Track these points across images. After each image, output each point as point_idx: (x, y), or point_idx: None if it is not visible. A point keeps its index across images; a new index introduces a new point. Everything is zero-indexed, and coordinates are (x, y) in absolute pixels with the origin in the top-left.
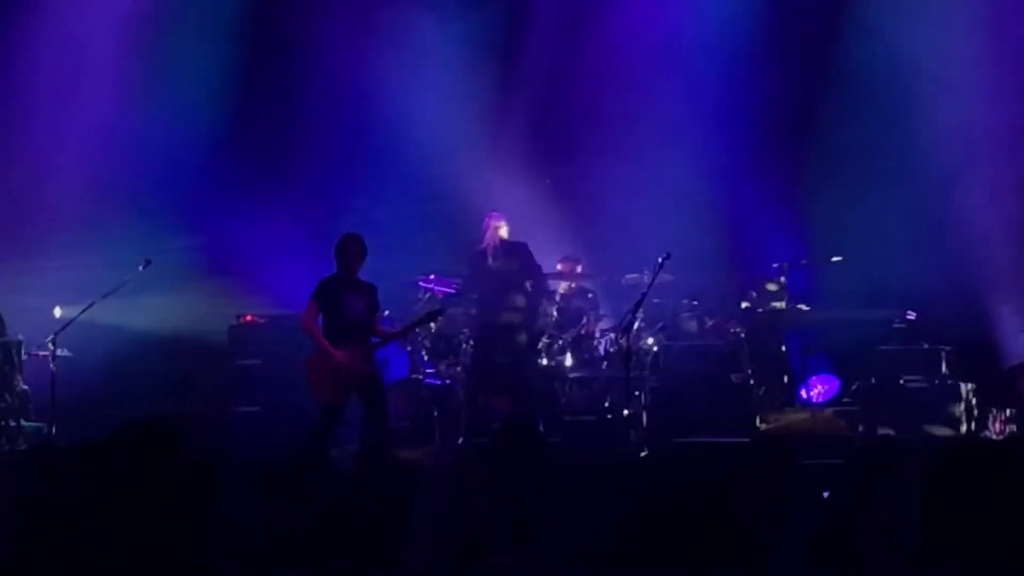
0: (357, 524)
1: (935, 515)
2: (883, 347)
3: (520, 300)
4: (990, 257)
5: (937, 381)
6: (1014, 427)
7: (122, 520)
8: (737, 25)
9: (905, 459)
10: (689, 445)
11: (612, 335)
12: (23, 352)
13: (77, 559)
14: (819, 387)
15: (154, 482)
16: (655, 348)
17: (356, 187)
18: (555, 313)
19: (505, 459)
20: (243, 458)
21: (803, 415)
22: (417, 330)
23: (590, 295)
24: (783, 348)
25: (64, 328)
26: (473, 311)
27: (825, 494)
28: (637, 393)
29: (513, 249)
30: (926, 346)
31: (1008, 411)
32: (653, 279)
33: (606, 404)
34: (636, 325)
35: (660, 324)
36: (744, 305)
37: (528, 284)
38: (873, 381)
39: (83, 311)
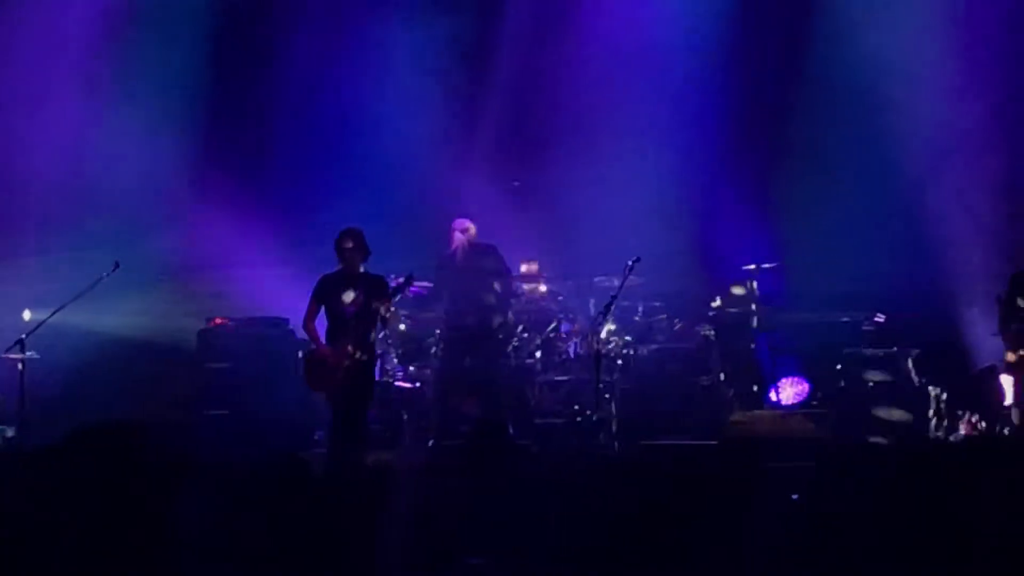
0: (328, 526)
1: (903, 517)
2: (852, 349)
3: (489, 302)
4: (959, 259)
5: (906, 383)
6: (982, 429)
7: (73, 524)
8: (708, 27)
9: (873, 461)
10: (658, 447)
11: (581, 337)
12: None
13: (25, 564)
14: (788, 389)
15: (107, 486)
16: (624, 350)
17: (327, 190)
18: (524, 315)
19: (475, 461)
20: (211, 461)
21: (772, 417)
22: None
23: (560, 298)
24: (752, 350)
25: (33, 331)
26: (443, 314)
27: (794, 496)
28: (606, 395)
29: (482, 251)
30: (895, 349)
31: (977, 413)
32: (623, 282)
33: (575, 406)
34: (605, 327)
35: (629, 326)
36: (713, 307)
37: (497, 286)
38: (842, 383)
39: (52, 314)
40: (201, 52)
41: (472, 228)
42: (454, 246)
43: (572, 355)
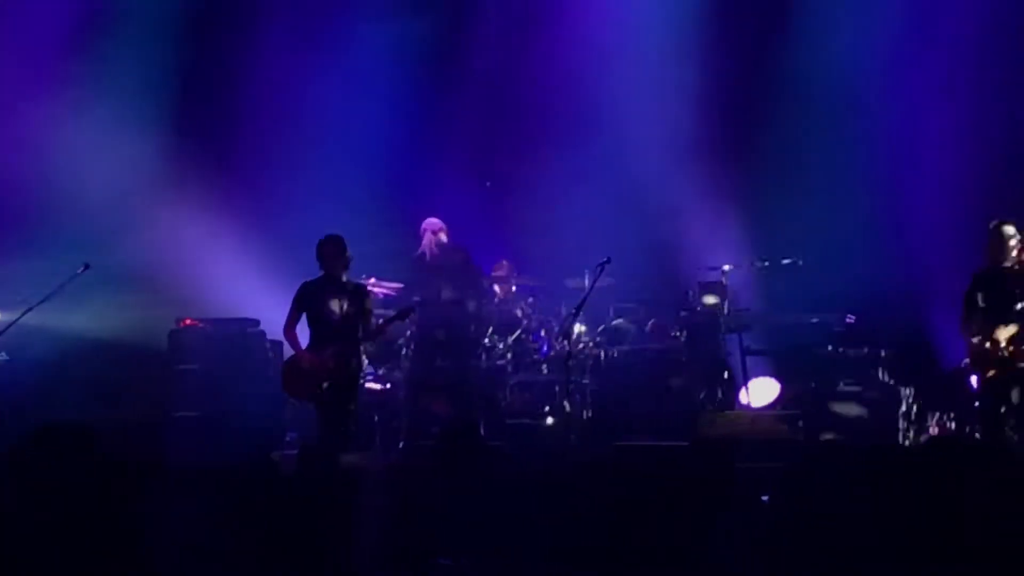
0: (299, 528)
1: (873, 517)
2: (823, 350)
3: (460, 303)
4: (930, 261)
5: (877, 384)
6: (953, 429)
7: (27, 525)
8: (679, 27)
9: (844, 462)
10: (629, 448)
11: (552, 338)
12: None
13: None
14: (759, 390)
15: (63, 487)
16: (595, 351)
17: (297, 191)
18: (495, 316)
19: (446, 462)
20: (181, 463)
21: (743, 418)
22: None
23: (530, 299)
24: (723, 351)
25: (2, 333)
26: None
27: (764, 498)
28: (577, 396)
29: (453, 253)
30: (866, 350)
31: (947, 414)
32: (593, 283)
33: (546, 407)
34: (576, 328)
35: (600, 328)
36: (684, 308)
37: (467, 287)
38: (813, 384)
39: (21, 315)
40: (171, 54)
41: (443, 229)
42: (425, 247)
43: (543, 356)
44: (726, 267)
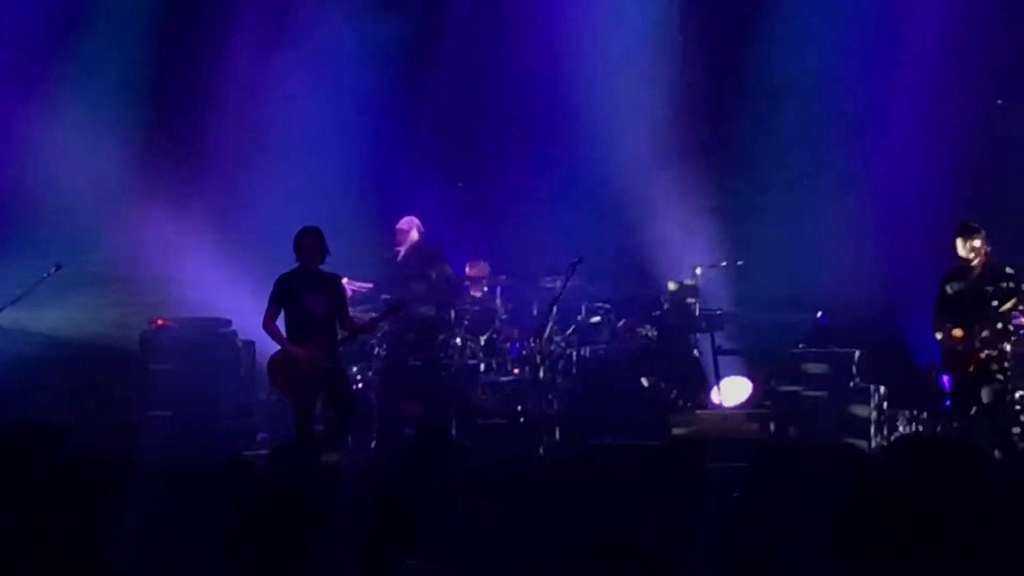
0: (270, 528)
1: (844, 516)
2: (795, 350)
3: (432, 303)
4: (901, 261)
5: (848, 383)
6: (923, 428)
7: None
8: (653, 28)
9: (815, 462)
10: (601, 448)
11: (524, 338)
12: None
13: None
14: (731, 390)
15: (28, 487)
16: (567, 351)
17: (270, 191)
18: (467, 316)
19: (417, 462)
20: (153, 462)
21: (715, 417)
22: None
23: (502, 299)
24: (695, 351)
25: None
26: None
27: (735, 495)
28: (549, 396)
29: (426, 253)
30: (837, 349)
31: (918, 413)
32: (565, 283)
33: (518, 407)
34: (548, 329)
35: (572, 328)
36: (656, 308)
37: (440, 287)
38: (785, 384)
39: None
40: (143, 54)
41: (419, 228)
42: (399, 247)
43: (515, 356)
44: (698, 267)
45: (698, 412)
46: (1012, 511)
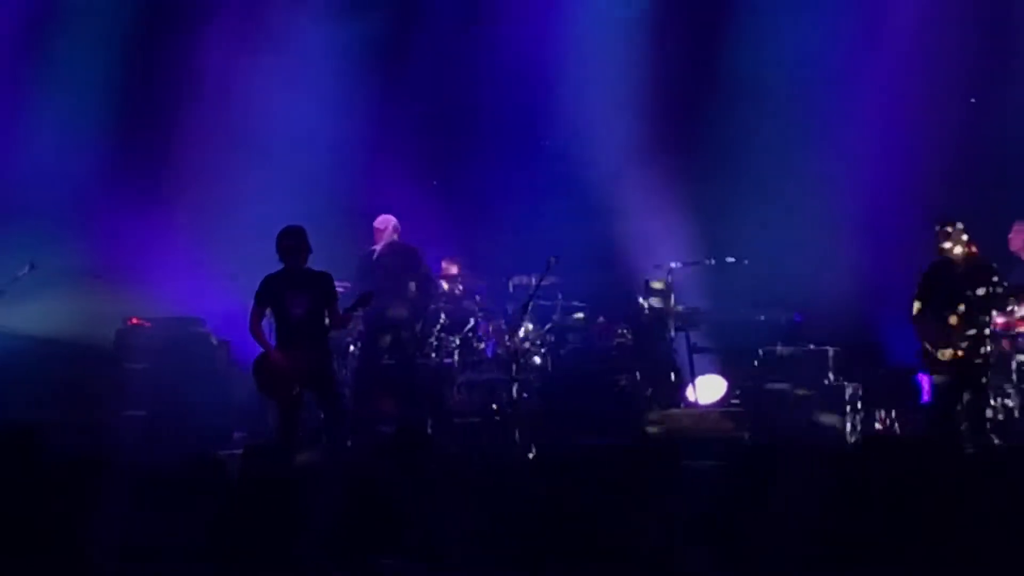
0: (245, 526)
1: (819, 514)
2: (770, 348)
3: (407, 302)
4: (877, 258)
5: (824, 381)
6: (898, 427)
7: None
8: (627, 26)
9: (790, 460)
10: (575, 447)
11: (500, 337)
12: None
13: None
14: (706, 388)
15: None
16: (542, 349)
17: (243, 190)
18: (443, 315)
19: (393, 461)
20: (128, 462)
21: (690, 416)
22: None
23: (477, 297)
24: (671, 349)
25: None
26: (360, 312)
27: (708, 492)
28: (524, 395)
29: (402, 251)
30: (812, 347)
31: (893, 411)
32: (540, 281)
33: (493, 406)
34: (523, 327)
35: (547, 326)
36: (631, 306)
37: (415, 286)
38: (760, 382)
39: None
40: (115, 53)
41: (394, 226)
42: (375, 245)
43: (490, 354)
44: (673, 265)
45: (673, 410)
46: (982, 508)
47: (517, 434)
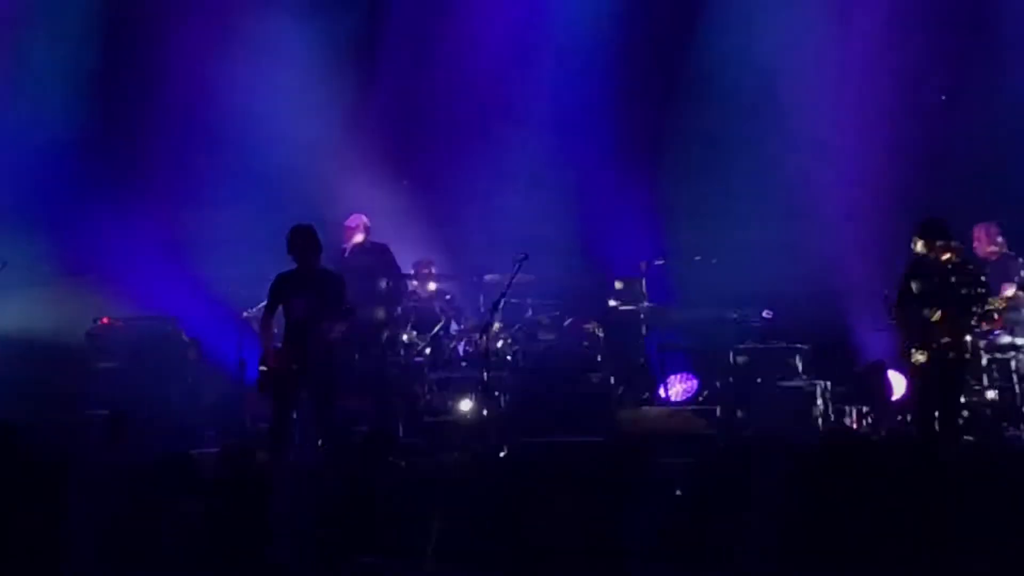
0: (220, 525)
1: (787, 511)
2: (741, 346)
3: (379, 301)
4: (846, 257)
5: (794, 379)
6: (869, 424)
7: None
8: (597, 23)
9: (761, 458)
10: (547, 445)
11: (470, 335)
12: None
13: None
14: (678, 386)
15: None
16: (513, 348)
17: (214, 189)
18: (414, 314)
19: (365, 460)
20: (100, 462)
21: (661, 414)
22: None
23: (448, 296)
24: (642, 347)
25: None
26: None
27: (677, 492)
28: (496, 393)
29: (373, 250)
30: (783, 345)
31: (863, 408)
32: (511, 279)
33: (465, 405)
34: (494, 325)
35: (518, 324)
36: (602, 305)
37: (386, 285)
38: (731, 380)
39: None
40: (86, 50)
41: (365, 225)
42: (346, 244)
43: (461, 353)
44: (644, 263)
45: (644, 408)
46: (950, 505)
47: (489, 433)
